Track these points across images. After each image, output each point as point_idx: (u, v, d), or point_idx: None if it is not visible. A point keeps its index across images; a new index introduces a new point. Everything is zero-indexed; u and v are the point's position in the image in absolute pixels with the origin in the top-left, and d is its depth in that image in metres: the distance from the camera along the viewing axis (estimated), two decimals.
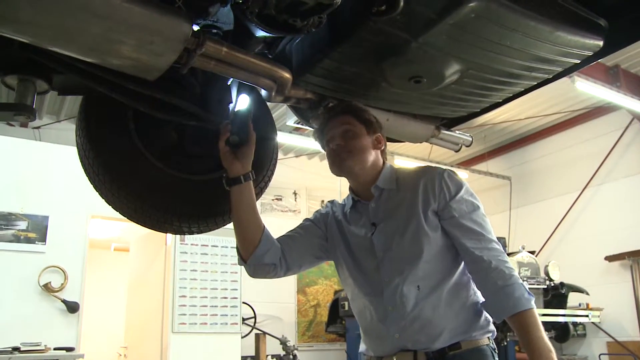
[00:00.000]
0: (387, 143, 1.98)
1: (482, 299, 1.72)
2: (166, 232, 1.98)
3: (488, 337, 1.71)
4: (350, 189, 1.92)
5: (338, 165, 1.82)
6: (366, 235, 1.80)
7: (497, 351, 1.72)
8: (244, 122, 1.82)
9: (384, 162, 1.88)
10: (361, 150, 1.80)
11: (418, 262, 1.70)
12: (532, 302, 1.62)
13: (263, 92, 1.93)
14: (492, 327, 1.73)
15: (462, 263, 1.76)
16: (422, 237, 1.71)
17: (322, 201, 9.75)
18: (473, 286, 1.75)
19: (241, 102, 1.92)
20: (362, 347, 1.86)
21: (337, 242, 1.89)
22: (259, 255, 1.78)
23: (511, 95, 1.96)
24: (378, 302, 1.73)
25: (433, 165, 1.87)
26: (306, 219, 1.99)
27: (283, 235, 1.91)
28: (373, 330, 1.77)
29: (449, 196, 1.73)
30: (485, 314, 1.72)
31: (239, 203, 1.79)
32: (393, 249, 1.73)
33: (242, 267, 1.84)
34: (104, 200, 1.83)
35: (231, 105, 1.86)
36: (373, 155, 1.83)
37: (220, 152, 1.79)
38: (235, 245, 1.85)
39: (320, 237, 1.93)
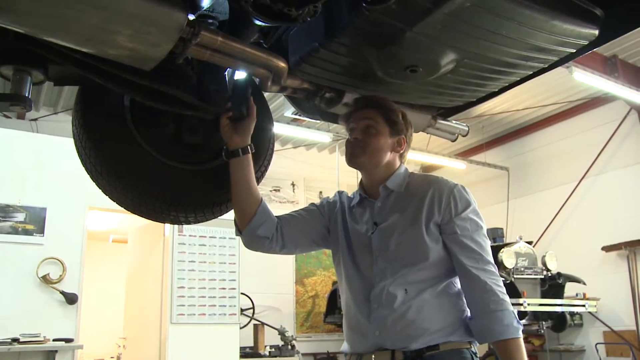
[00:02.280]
0: None
1: (468, 311, 1.73)
2: (163, 222, 1.99)
3: (469, 342, 1.71)
4: (361, 183, 1.92)
5: (350, 158, 1.83)
6: (367, 233, 1.81)
7: (477, 356, 1.72)
8: (244, 95, 1.82)
9: (400, 165, 1.88)
10: (377, 149, 1.80)
11: (411, 268, 1.71)
12: (520, 332, 1.63)
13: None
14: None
15: (452, 271, 1.76)
16: (420, 245, 1.71)
17: (320, 192, 9.77)
18: (462, 296, 1.76)
19: (239, 75, 1.90)
20: (344, 346, 1.87)
21: (338, 235, 1.90)
22: (254, 227, 1.82)
23: (507, 84, 1.96)
24: (365, 299, 1.75)
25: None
26: (312, 204, 2.00)
27: (285, 214, 1.93)
28: (356, 326, 1.78)
29: (454, 212, 1.73)
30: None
31: (237, 175, 1.81)
32: (389, 251, 1.74)
33: (239, 238, 1.88)
34: (101, 191, 1.83)
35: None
36: (389, 157, 1.84)
37: (220, 125, 1.80)
38: (234, 223, 1.88)
39: (322, 225, 1.94)
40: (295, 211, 1.97)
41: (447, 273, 1.75)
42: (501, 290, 1.67)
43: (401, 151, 1.87)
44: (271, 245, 1.85)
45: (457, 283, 1.77)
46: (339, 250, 1.89)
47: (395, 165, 1.86)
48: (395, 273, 1.71)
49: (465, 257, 1.70)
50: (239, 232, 1.86)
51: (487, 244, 1.75)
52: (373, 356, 1.70)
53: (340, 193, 2.02)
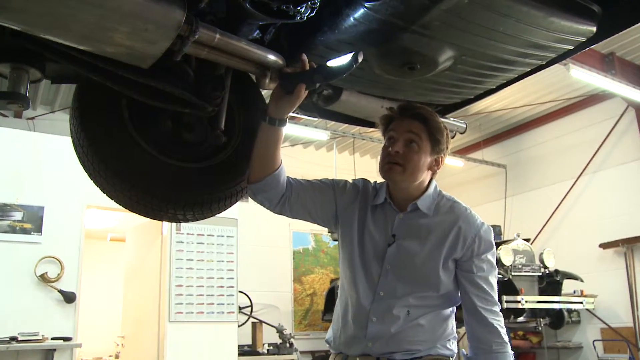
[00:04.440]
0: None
1: (454, 331, 1.82)
2: (161, 220, 1.98)
3: (450, 356, 1.79)
4: (387, 187, 1.86)
5: (387, 171, 1.77)
6: (384, 243, 1.79)
7: None
8: (306, 78, 1.67)
9: (430, 182, 1.83)
10: (416, 168, 1.74)
11: (418, 294, 1.74)
12: None
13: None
14: (453, 350, 1.80)
15: (454, 301, 1.82)
16: (434, 278, 1.74)
17: None
18: (452, 318, 1.83)
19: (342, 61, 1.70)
20: (330, 335, 1.89)
21: (351, 229, 1.85)
22: (255, 190, 1.79)
23: (505, 81, 1.97)
24: (365, 308, 1.76)
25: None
26: (332, 183, 1.90)
27: (300, 182, 1.85)
28: (349, 329, 1.80)
29: (476, 252, 1.75)
30: (454, 340, 1.81)
31: (258, 138, 1.76)
32: (401, 269, 1.75)
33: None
34: (98, 188, 1.83)
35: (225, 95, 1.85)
36: (424, 175, 1.79)
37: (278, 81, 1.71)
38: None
39: (330, 211, 1.88)
40: (311, 183, 1.87)
41: (448, 303, 1.81)
42: (504, 332, 1.75)
43: (436, 170, 1.82)
44: (267, 207, 1.83)
45: (454, 308, 1.83)
46: (347, 243, 1.85)
47: (425, 182, 1.81)
48: (402, 293, 1.73)
49: (477, 297, 1.75)
50: (247, 182, 1.82)
51: (496, 284, 1.80)
52: (357, 358, 1.75)
53: (365, 183, 1.93)
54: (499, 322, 1.75)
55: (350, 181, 1.94)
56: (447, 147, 1.81)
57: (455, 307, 1.84)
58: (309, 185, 1.87)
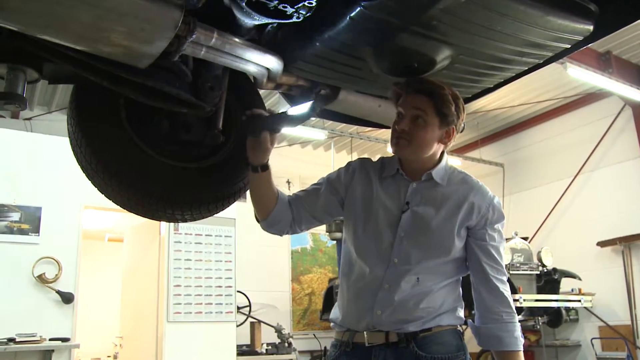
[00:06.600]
0: (380, 130, 1.96)
1: (460, 298, 1.83)
2: (159, 220, 1.99)
3: (458, 325, 1.81)
4: (399, 158, 1.86)
5: (394, 146, 1.79)
6: (397, 210, 1.79)
7: (463, 335, 1.82)
8: (268, 125, 1.77)
9: (442, 154, 1.83)
10: (422, 143, 1.75)
11: (431, 260, 1.75)
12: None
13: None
14: (462, 317, 1.82)
15: (463, 270, 1.83)
16: (448, 243, 1.76)
17: None
18: (458, 286, 1.85)
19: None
20: (335, 314, 1.89)
21: (355, 205, 1.86)
22: (267, 225, 1.88)
23: (502, 80, 1.97)
24: (378, 277, 1.75)
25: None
26: (326, 181, 1.93)
27: (301, 197, 1.90)
28: (359, 300, 1.79)
29: (490, 220, 1.79)
30: (461, 309, 1.81)
31: (250, 185, 1.88)
32: (415, 236, 1.75)
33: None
34: (96, 189, 1.83)
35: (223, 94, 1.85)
36: (435, 148, 1.78)
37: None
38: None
39: (337, 202, 1.90)
40: (306, 192, 1.91)
41: (457, 271, 1.82)
42: (512, 302, 1.78)
43: (448, 142, 1.81)
44: (285, 232, 1.92)
45: (460, 277, 1.84)
46: (353, 218, 1.86)
47: (437, 155, 1.82)
48: (415, 260, 1.74)
49: (488, 265, 1.78)
50: (257, 220, 1.91)
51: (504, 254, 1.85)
52: (365, 333, 1.74)
53: (362, 161, 1.94)
54: (508, 292, 1.79)
55: (344, 166, 1.95)
56: (458, 118, 1.78)
57: (461, 276, 1.85)
58: (305, 196, 1.92)
